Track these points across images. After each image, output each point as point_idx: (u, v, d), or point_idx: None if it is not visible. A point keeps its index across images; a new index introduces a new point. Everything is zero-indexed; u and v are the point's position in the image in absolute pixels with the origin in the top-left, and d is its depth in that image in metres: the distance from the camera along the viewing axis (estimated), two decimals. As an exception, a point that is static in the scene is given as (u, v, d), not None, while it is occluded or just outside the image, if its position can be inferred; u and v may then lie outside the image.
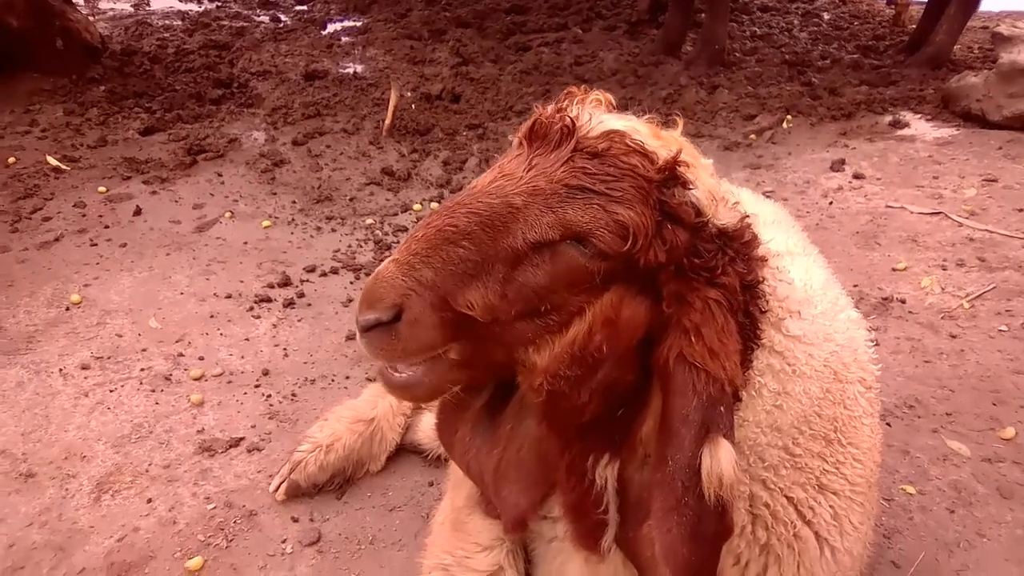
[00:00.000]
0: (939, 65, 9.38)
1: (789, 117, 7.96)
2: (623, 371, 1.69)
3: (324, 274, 5.08)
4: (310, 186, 6.39)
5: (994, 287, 4.72)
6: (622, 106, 1.77)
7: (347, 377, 4.02)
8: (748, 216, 1.77)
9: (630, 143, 1.58)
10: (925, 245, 5.32)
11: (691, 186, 1.60)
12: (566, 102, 1.72)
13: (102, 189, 6.14)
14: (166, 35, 10.45)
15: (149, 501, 3.22)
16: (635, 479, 1.81)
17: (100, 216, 5.75)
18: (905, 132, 7.57)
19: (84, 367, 4.05)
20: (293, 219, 5.88)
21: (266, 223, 5.76)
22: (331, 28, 11.39)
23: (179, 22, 11.14)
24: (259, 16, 11.81)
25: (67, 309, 4.58)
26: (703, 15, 10.29)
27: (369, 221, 5.84)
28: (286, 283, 4.92)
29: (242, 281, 4.96)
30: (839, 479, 2.08)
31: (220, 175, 6.53)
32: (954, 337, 4.27)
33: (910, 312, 4.53)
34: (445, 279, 1.59)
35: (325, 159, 6.92)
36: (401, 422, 3.37)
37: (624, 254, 1.56)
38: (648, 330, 1.66)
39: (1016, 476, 3.28)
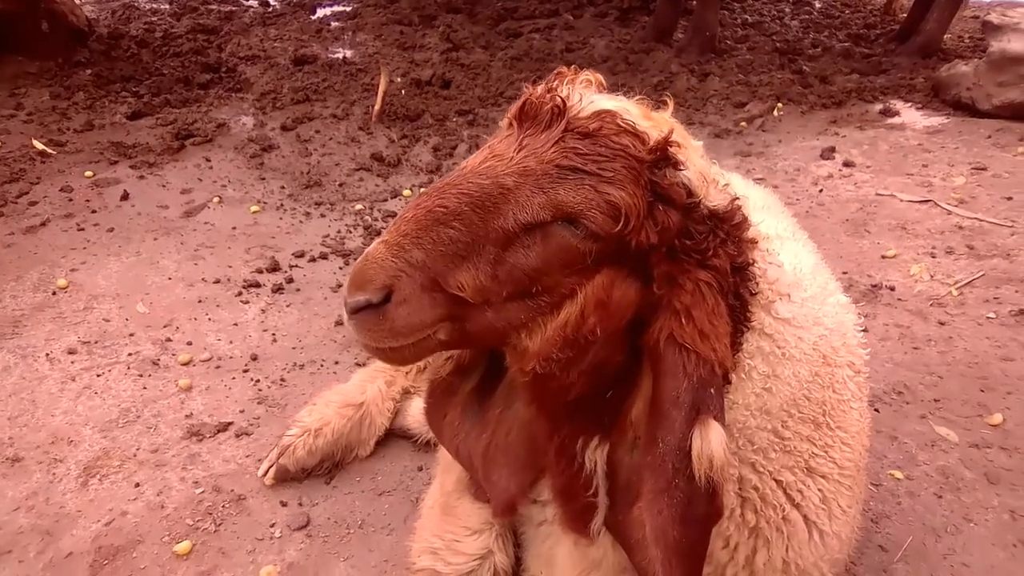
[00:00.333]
0: (929, 54, 9.39)
1: (780, 105, 7.95)
2: (612, 352, 1.68)
3: (313, 259, 5.06)
4: (299, 171, 6.36)
5: (982, 274, 4.74)
6: (613, 93, 1.76)
7: (336, 362, 4.01)
8: (739, 198, 1.76)
9: (621, 123, 1.57)
10: (914, 233, 5.34)
11: (682, 167, 1.59)
12: (556, 82, 1.70)
13: (89, 173, 6.08)
14: (153, 19, 10.35)
15: (137, 485, 3.21)
16: (625, 461, 1.80)
17: (87, 200, 5.70)
18: (895, 120, 7.58)
19: (71, 351, 4.02)
20: (282, 204, 5.84)
21: (255, 208, 5.72)
22: (320, 13, 11.30)
23: (166, 6, 11.03)
24: (248, 0, 11.70)
25: (53, 294, 4.55)
26: (694, 2, 10.27)
27: (359, 207, 5.81)
28: (275, 268, 4.89)
29: (230, 266, 4.93)
30: (828, 462, 2.08)
31: (208, 160, 6.48)
32: (942, 324, 4.28)
33: (899, 299, 4.55)
34: (435, 260, 1.57)
35: (314, 144, 6.88)
36: (390, 407, 3.36)
37: (616, 235, 1.55)
38: (639, 311, 1.66)
39: (1003, 461, 3.30)
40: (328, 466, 3.25)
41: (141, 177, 6.12)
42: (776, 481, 2.00)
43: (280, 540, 2.97)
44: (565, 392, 1.71)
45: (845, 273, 4.81)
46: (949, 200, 5.75)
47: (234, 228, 5.45)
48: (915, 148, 6.83)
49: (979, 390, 3.74)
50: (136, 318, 4.35)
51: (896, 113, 7.73)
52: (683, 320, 1.58)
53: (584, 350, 1.63)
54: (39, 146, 6.43)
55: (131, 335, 4.19)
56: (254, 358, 4.02)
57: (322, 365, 3.99)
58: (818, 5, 12.17)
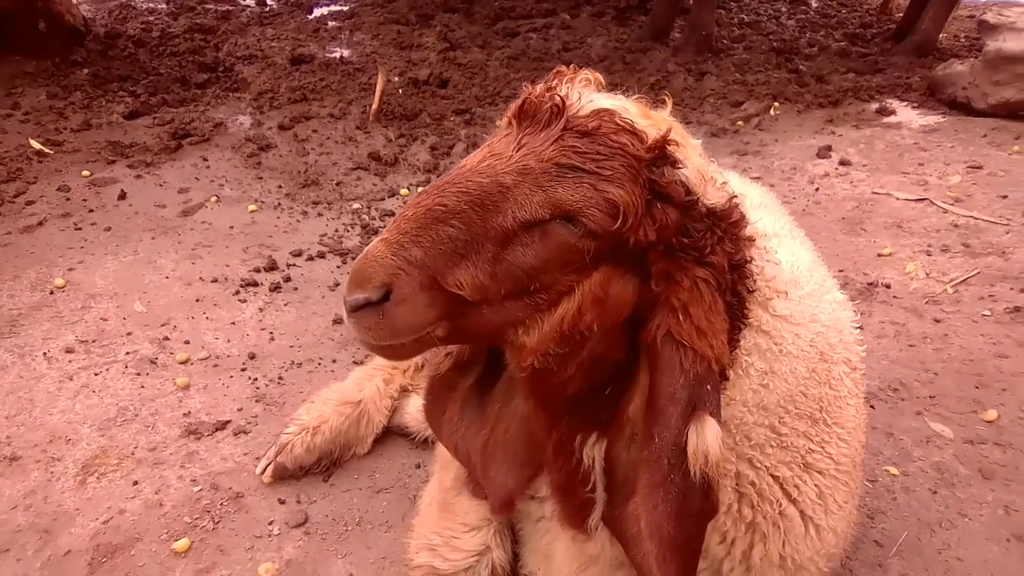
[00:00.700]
0: (926, 53, 9.43)
1: (776, 104, 7.97)
2: (610, 348, 1.69)
3: (311, 258, 5.07)
4: (296, 171, 6.36)
5: (978, 272, 4.76)
6: (611, 92, 1.77)
7: (334, 360, 4.02)
8: (736, 196, 1.77)
9: (620, 122, 1.58)
10: (910, 231, 5.36)
11: (680, 165, 1.60)
12: (556, 81, 1.71)
13: (86, 173, 6.08)
14: (150, 18, 10.35)
15: (135, 484, 3.21)
16: (622, 457, 1.82)
17: (84, 200, 5.70)
18: (891, 119, 7.60)
19: (68, 351, 4.03)
20: (279, 203, 5.85)
21: (252, 207, 5.72)
22: (317, 12, 11.31)
23: (163, 5, 11.02)
24: (244, 0, 11.69)
25: (51, 293, 4.55)
26: (691, 2, 10.28)
27: (356, 206, 5.82)
28: (272, 267, 4.90)
29: (228, 265, 4.94)
30: (824, 458, 2.09)
31: (205, 159, 6.48)
32: (938, 322, 4.30)
33: (895, 297, 4.57)
34: (434, 258, 1.58)
35: (311, 144, 6.88)
36: (388, 404, 3.37)
37: (614, 233, 1.56)
38: (636, 308, 1.67)
39: (997, 457, 3.32)
40: (326, 464, 3.26)
41: (138, 176, 6.12)
42: (773, 477, 2.01)
43: (278, 538, 2.97)
44: (563, 388, 1.73)
45: (841, 271, 4.83)
46: (945, 198, 5.77)
47: (232, 227, 5.46)
48: (911, 147, 6.85)
49: (974, 387, 3.76)
50: (134, 317, 4.35)
51: (892, 112, 7.75)
52: (680, 317, 1.59)
53: (580, 346, 1.64)
54: (36, 145, 6.42)
55: (129, 334, 4.20)
56: (252, 357, 4.03)
57: (320, 363, 4.00)
58: (814, 4, 12.21)
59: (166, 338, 4.17)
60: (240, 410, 3.65)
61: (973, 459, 3.33)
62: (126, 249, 5.08)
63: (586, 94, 1.65)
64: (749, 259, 1.77)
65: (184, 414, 3.62)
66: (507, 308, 1.65)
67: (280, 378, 3.89)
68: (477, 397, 2.13)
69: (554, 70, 1.77)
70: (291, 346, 4.15)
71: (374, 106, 7.33)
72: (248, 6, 11.42)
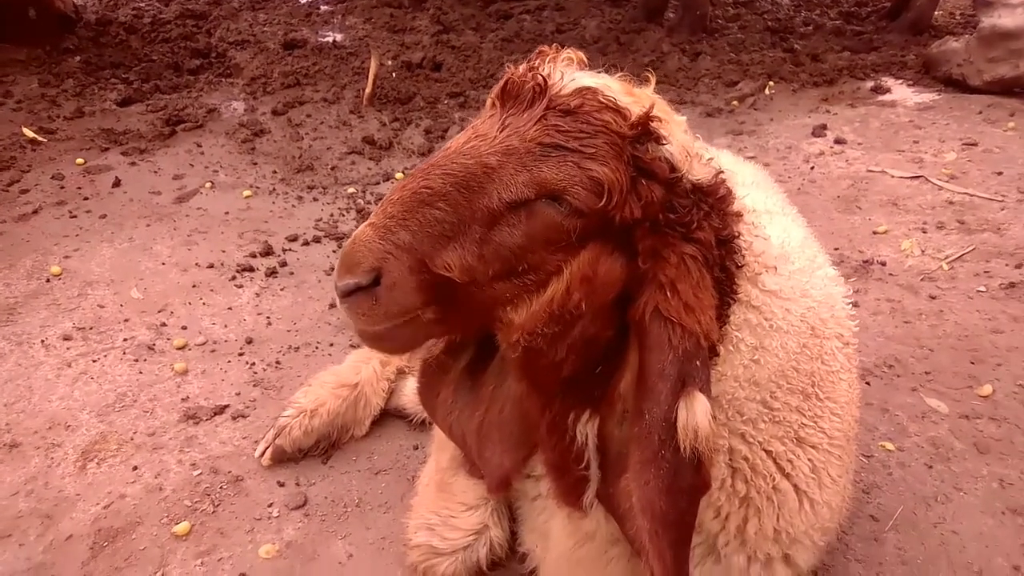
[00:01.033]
0: (921, 31, 9.39)
1: (771, 83, 7.95)
2: (600, 327, 1.70)
3: (306, 243, 5.07)
4: (291, 156, 6.35)
5: (973, 249, 4.77)
6: (599, 71, 1.77)
7: (331, 344, 4.03)
8: (723, 172, 1.78)
9: (602, 99, 1.58)
10: (905, 208, 5.36)
11: (664, 141, 1.60)
12: (538, 61, 1.72)
13: (80, 161, 6.07)
14: (142, 4, 10.27)
15: (135, 468, 3.23)
16: (615, 435, 1.83)
17: (79, 188, 5.69)
18: (886, 97, 7.58)
19: (66, 338, 4.04)
20: (274, 189, 5.84)
21: (247, 193, 5.72)
22: (310, -4, 11.24)
23: (155, -9, 10.97)
24: (237, -15, 11.63)
25: (47, 281, 4.55)
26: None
27: (351, 190, 5.82)
28: (268, 252, 4.90)
29: (224, 251, 4.94)
30: (817, 433, 2.10)
31: (199, 145, 6.47)
32: (933, 298, 4.31)
33: (890, 274, 4.57)
34: (422, 241, 1.59)
35: (306, 128, 6.86)
36: (385, 387, 3.38)
37: (599, 211, 1.56)
38: (625, 286, 1.67)
39: (992, 432, 3.34)
40: (324, 446, 3.28)
41: (132, 163, 6.11)
42: (766, 451, 2.02)
43: (278, 519, 2.99)
44: (555, 368, 1.73)
45: (837, 249, 4.84)
46: (940, 176, 5.77)
47: (227, 213, 5.45)
48: (906, 124, 6.84)
49: (969, 362, 3.77)
50: (130, 304, 4.36)
51: (887, 90, 7.73)
52: (668, 293, 1.60)
53: (571, 325, 1.65)
54: (29, 134, 6.41)
55: (126, 320, 4.21)
56: (249, 341, 4.04)
57: (317, 347, 4.01)
58: (809, -18, 12.13)
59: (163, 324, 4.18)
60: (238, 394, 3.67)
61: (968, 434, 3.35)
62: (121, 236, 5.08)
63: (568, 73, 1.66)
64: (737, 234, 1.78)
65: (182, 399, 3.64)
66: (496, 289, 1.66)
67: (277, 362, 3.90)
68: (470, 379, 2.14)
69: (537, 50, 1.77)
70: (288, 330, 4.16)
71: (368, 90, 7.31)
72: (240, -9, 11.35)
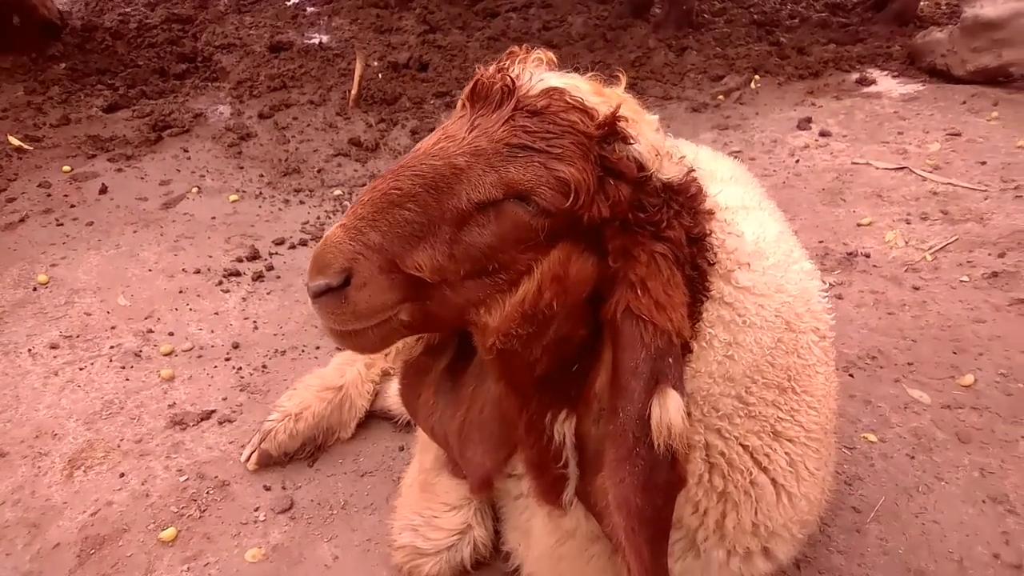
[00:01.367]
0: (906, 21, 9.41)
1: (757, 77, 7.97)
2: (574, 326, 1.72)
3: (293, 246, 5.07)
4: (277, 159, 6.35)
5: (956, 239, 4.79)
6: (590, 70, 1.78)
7: (317, 348, 4.03)
8: (694, 170, 1.79)
9: (569, 100, 1.60)
10: (889, 200, 5.38)
11: (632, 141, 1.61)
12: (507, 62, 1.73)
13: (66, 168, 6.06)
14: (128, 9, 10.25)
15: (122, 475, 3.24)
16: (592, 433, 1.84)
17: (65, 195, 5.69)
18: (871, 89, 7.60)
19: (53, 346, 4.04)
20: (261, 192, 5.84)
21: (233, 197, 5.72)
22: (296, -2, 11.24)
23: (140, -4, 10.95)
24: (222, -12, 11.61)
25: (34, 289, 4.55)
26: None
27: (337, 192, 5.82)
28: (255, 256, 4.90)
29: (211, 256, 4.94)
30: (794, 426, 2.12)
31: (186, 150, 6.47)
32: (917, 289, 4.34)
33: (874, 266, 4.60)
34: (392, 242, 1.61)
35: (292, 131, 6.86)
36: (370, 389, 3.39)
37: (567, 210, 1.58)
38: (597, 285, 1.69)
39: (974, 421, 3.36)
40: (310, 449, 3.28)
41: (119, 170, 6.11)
42: (742, 446, 2.03)
43: (264, 523, 3.00)
44: (530, 367, 1.75)
45: (821, 242, 4.86)
46: (924, 166, 5.79)
47: (213, 218, 5.45)
48: (891, 116, 6.86)
49: (952, 352, 3.79)
50: (117, 311, 4.36)
51: (872, 82, 7.75)
52: (639, 292, 1.62)
53: (544, 325, 1.67)
54: (15, 142, 6.40)
55: (113, 328, 4.21)
56: (236, 346, 4.05)
57: (303, 351, 4.02)
58: (795, -25, 12.15)
59: (150, 330, 4.19)
60: (225, 399, 3.67)
61: (950, 424, 3.37)
62: (108, 243, 5.08)
63: (537, 74, 1.67)
64: (709, 232, 1.80)
65: (169, 405, 3.64)
66: (468, 288, 1.67)
67: (264, 366, 3.90)
68: (451, 380, 2.15)
69: (507, 51, 1.78)
70: (275, 334, 4.16)
71: (353, 92, 7.31)
72: (226, -6, 11.33)
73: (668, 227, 1.66)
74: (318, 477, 3.22)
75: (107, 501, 3.11)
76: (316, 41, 9.23)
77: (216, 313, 4.35)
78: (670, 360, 1.65)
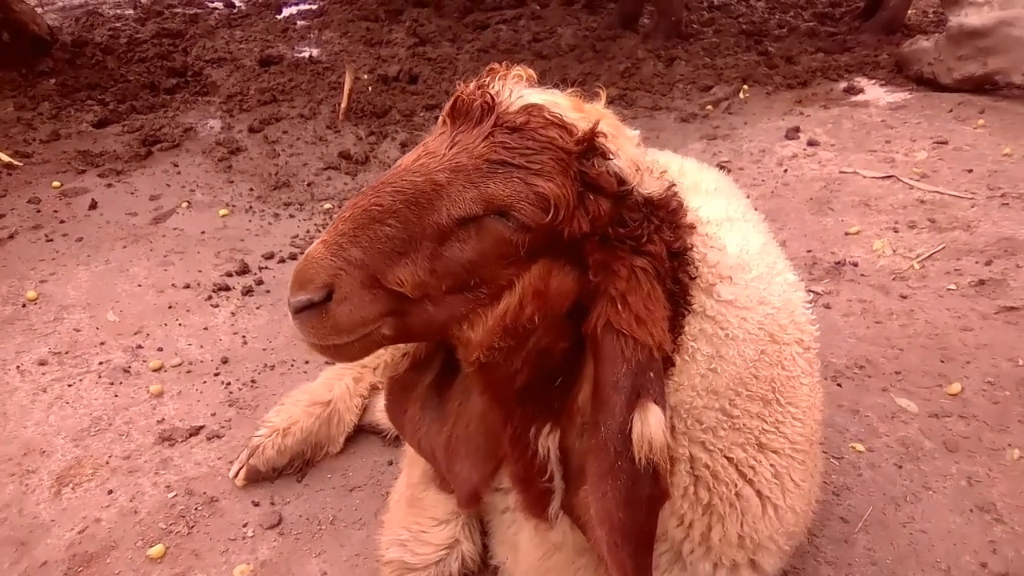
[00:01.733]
0: (894, 30, 9.48)
1: (745, 87, 8.01)
2: (555, 339, 1.73)
3: (283, 260, 5.07)
4: (267, 173, 6.35)
5: (943, 247, 4.82)
6: (580, 82, 1.80)
7: (306, 362, 4.02)
8: (675, 184, 1.80)
9: (548, 116, 1.61)
10: (877, 208, 5.41)
11: (611, 156, 1.63)
12: (488, 78, 1.74)
13: (56, 184, 6.06)
14: (118, 25, 10.26)
15: (110, 492, 3.23)
16: (576, 446, 1.85)
17: (55, 211, 5.68)
18: (859, 98, 7.65)
19: (42, 363, 4.03)
20: (251, 206, 5.84)
21: (223, 212, 5.72)
22: (286, 12, 11.25)
23: (131, 11, 10.94)
24: (212, 2, 11.61)
25: (23, 306, 4.54)
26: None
27: (327, 206, 5.82)
28: (244, 271, 4.90)
29: (200, 271, 4.94)
30: (779, 438, 2.12)
31: (176, 165, 6.47)
32: (904, 298, 4.35)
33: (862, 275, 4.62)
34: (373, 257, 1.62)
35: (282, 145, 6.87)
36: (358, 403, 3.39)
37: (547, 226, 1.59)
38: (578, 299, 1.70)
39: (961, 429, 3.38)
40: (299, 464, 3.28)
41: (109, 185, 6.10)
42: (727, 458, 2.04)
43: (253, 539, 3.00)
44: (512, 379, 1.76)
45: (809, 251, 4.88)
46: (911, 175, 5.82)
47: (203, 232, 5.45)
48: (878, 125, 6.90)
49: (939, 361, 3.81)
50: (106, 327, 4.36)
51: (860, 91, 7.80)
52: (619, 306, 1.63)
53: (524, 338, 1.68)
54: (5, 158, 6.38)
55: (102, 344, 4.20)
56: (225, 361, 4.04)
57: (292, 365, 4.02)
58: (783, -15, 12.23)
59: (139, 346, 4.18)
60: (214, 415, 3.67)
61: (938, 432, 3.38)
62: (98, 259, 5.08)
63: (516, 90, 1.68)
64: (690, 246, 1.81)
65: (158, 421, 3.63)
66: (449, 304, 1.68)
67: (253, 381, 3.90)
68: (437, 395, 2.16)
69: (487, 67, 1.80)
70: (264, 349, 4.16)
71: (343, 105, 7.32)
72: (216, 8, 11.36)
73: (648, 241, 1.68)
74: (307, 492, 3.22)
75: (95, 518, 3.10)
76: (306, 55, 9.24)
77: (205, 328, 4.35)
78: (651, 374, 1.65)
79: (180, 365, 4.03)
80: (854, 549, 2.86)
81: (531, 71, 1.78)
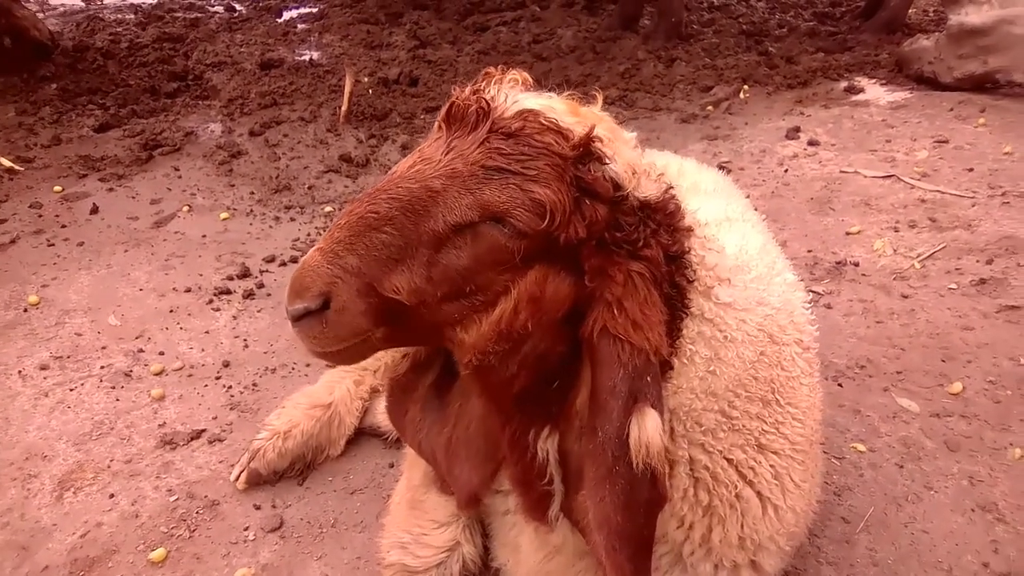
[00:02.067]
0: (894, 29, 9.48)
1: (746, 87, 8.01)
2: (552, 343, 1.72)
3: (284, 264, 5.08)
4: (268, 176, 6.36)
5: (944, 246, 4.81)
6: (580, 83, 1.80)
7: (307, 365, 4.03)
8: (672, 188, 1.80)
9: (544, 121, 1.61)
10: (878, 208, 5.41)
11: (608, 161, 1.63)
12: (483, 83, 1.74)
13: (58, 188, 6.07)
14: (119, 29, 10.29)
15: (111, 496, 3.23)
16: (574, 450, 1.85)
17: (56, 216, 5.69)
18: (860, 97, 7.65)
19: (43, 367, 4.03)
20: (252, 210, 5.85)
21: (224, 215, 5.73)
22: (287, 16, 11.28)
23: (132, 16, 10.98)
24: (213, 6, 11.65)
25: (25, 311, 4.55)
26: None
27: (328, 209, 5.83)
28: (245, 274, 4.91)
29: (201, 274, 4.95)
30: (779, 439, 2.12)
31: (177, 169, 6.48)
32: (905, 297, 4.35)
33: (863, 275, 4.61)
34: (370, 265, 1.62)
35: (283, 148, 6.87)
36: (359, 406, 3.39)
37: (543, 232, 1.59)
38: (575, 304, 1.70)
39: (962, 429, 3.37)
40: (300, 467, 3.28)
41: (110, 190, 6.11)
42: (727, 460, 2.03)
43: (254, 543, 3.00)
44: (508, 383, 1.76)
45: (810, 251, 4.88)
46: (912, 174, 5.82)
47: (204, 236, 5.46)
48: (879, 124, 6.90)
49: (940, 360, 3.81)
50: (108, 331, 4.36)
51: (861, 90, 7.81)
52: (615, 311, 1.62)
53: (520, 343, 1.67)
54: (6, 163, 6.40)
55: (103, 348, 4.21)
56: (226, 365, 4.05)
57: (293, 368, 4.02)
58: (783, -15, 12.23)
59: (140, 350, 4.19)
60: (215, 418, 3.67)
61: (939, 432, 3.38)
62: (99, 263, 5.09)
63: (512, 95, 1.68)
64: (687, 250, 1.81)
65: (159, 425, 3.64)
66: (445, 310, 1.68)
67: (254, 385, 3.91)
68: (437, 397, 2.16)
69: (483, 72, 1.79)
70: (265, 352, 4.16)
71: (343, 108, 7.33)
72: (217, 12, 11.38)
73: (645, 246, 1.67)
74: (308, 495, 3.22)
75: (97, 522, 3.11)
76: (306, 58, 9.26)
77: (207, 332, 4.35)
78: (648, 379, 1.65)
79: (181, 369, 4.03)
80: (855, 549, 2.86)
81: (527, 75, 1.78)
